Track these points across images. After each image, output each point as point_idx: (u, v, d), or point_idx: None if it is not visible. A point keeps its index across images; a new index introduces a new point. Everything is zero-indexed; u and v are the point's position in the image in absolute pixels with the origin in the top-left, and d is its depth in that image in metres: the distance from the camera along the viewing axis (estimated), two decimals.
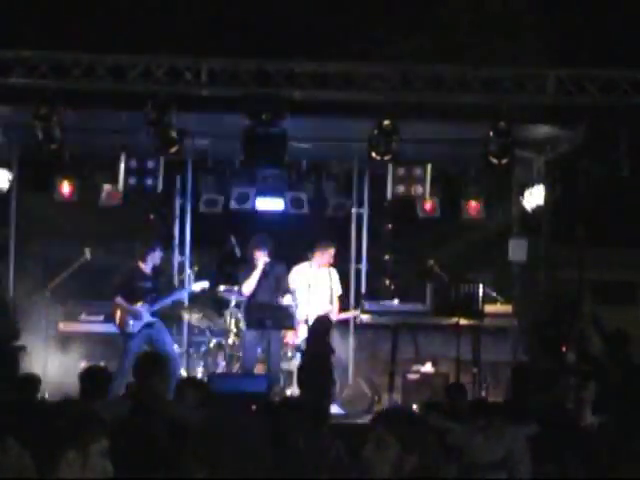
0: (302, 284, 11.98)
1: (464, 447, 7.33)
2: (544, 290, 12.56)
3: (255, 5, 11.09)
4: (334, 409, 10.65)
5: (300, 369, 10.76)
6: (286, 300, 11.78)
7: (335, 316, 12.05)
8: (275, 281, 11.78)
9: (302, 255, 12.26)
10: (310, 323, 11.32)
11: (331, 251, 12.12)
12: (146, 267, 11.67)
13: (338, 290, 12.23)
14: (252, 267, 11.68)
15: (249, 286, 11.64)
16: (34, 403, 7.30)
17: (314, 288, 11.97)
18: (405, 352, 12.27)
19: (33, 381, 8.46)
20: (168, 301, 11.79)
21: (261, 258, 11.59)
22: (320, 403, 8.27)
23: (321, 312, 11.62)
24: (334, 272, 12.25)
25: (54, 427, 3.55)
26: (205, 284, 11.93)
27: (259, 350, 11.71)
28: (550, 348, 11.28)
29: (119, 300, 11.49)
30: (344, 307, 12.42)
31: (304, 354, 11.14)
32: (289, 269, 12.09)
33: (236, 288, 12.00)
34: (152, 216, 13.27)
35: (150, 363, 7.16)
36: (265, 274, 11.66)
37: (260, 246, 11.65)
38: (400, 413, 3.91)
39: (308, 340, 11.06)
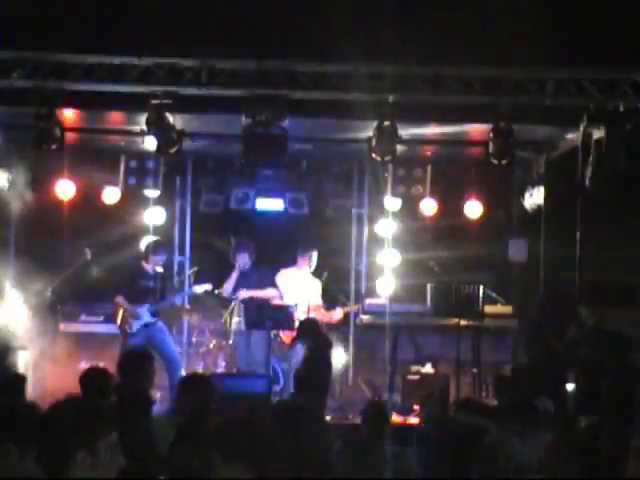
0: (288, 287, 12.09)
1: (500, 448, 7.22)
2: (544, 290, 12.55)
3: (255, 5, 11.06)
4: None
5: (299, 370, 10.70)
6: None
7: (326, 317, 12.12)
8: (258, 282, 11.91)
9: (294, 258, 12.34)
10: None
11: (312, 255, 12.22)
12: (148, 267, 11.67)
13: (317, 301, 12.25)
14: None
15: (227, 287, 12.02)
16: (24, 404, 7.22)
17: (299, 292, 12.02)
18: (405, 353, 12.27)
19: (18, 381, 8.27)
20: (170, 302, 11.80)
21: (240, 260, 11.85)
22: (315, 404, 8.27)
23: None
24: (317, 282, 12.30)
25: (61, 427, 3.55)
26: (208, 287, 11.95)
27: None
28: (549, 348, 11.26)
29: (120, 299, 11.51)
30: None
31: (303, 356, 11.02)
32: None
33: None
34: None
35: (134, 361, 7.16)
36: (246, 276, 11.86)
37: (239, 249, 11.90)
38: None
39: (304, 342, 10.92)
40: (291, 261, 12.41)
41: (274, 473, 3.37)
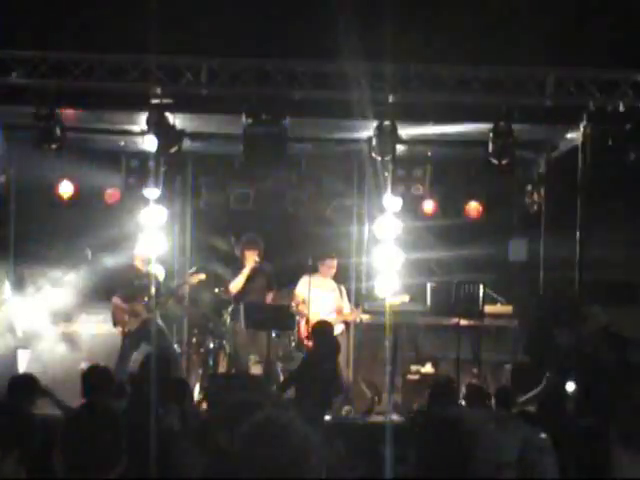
0: (313, 295, 11.80)
1: (476, 435, 7.17)
2: (544, 290, 12.55)
3: (255, 5, 11.08)
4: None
5: (299, 370, 10.64)
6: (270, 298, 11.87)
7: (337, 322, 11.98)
8: (265, 280, 11.83)
9: (301, 257, 12.24)
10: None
11: (332, 263, 12.09)
12: (142, 265, 11.69)
13: (346, 307, 12.12)
14: (241, 266, 11.79)
15: (236, 285, 11.79)
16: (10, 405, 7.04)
17: (319, 299, 11.88)
18: (405, 352, 12.26)
19: (28, 383, 8.04)
20: (166, 295, 11.78)
21: (250, 258, 11.69)
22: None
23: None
24: (343, 289, 12.19)
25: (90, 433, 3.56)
26: (202, 276, 11.92)
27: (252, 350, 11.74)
28: (549, 349, 11.26)
29: (116, 300, 11.53)
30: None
31: (307, 357, 10.94)
32: (282, 269, 12.15)
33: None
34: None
35: (156, 365, 7.17)
36: (254, 275, 11.73)
37: (250, 246, 11.75)
38: None
39: (315, 343, 10.80)
40: (292, 261, 12.38)
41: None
